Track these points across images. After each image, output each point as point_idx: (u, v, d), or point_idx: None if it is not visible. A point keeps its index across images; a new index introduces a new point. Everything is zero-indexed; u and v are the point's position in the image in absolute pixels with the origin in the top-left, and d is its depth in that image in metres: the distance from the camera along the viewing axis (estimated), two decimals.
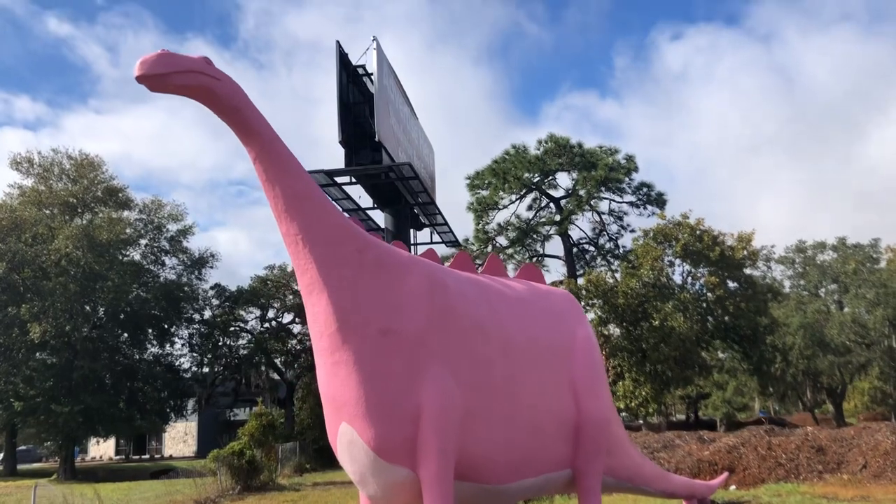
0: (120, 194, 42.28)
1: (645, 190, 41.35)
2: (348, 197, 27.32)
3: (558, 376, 9.49)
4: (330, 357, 7.66)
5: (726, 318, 38.02)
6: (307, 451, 33.81)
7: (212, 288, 44.95)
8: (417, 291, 7.96)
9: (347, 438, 7.61)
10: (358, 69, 26.79)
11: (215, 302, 44.97)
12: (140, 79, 6.64)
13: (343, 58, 25.82)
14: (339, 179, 26.18)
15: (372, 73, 26.27)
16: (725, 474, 15.12)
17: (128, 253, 42.30)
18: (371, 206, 28.98)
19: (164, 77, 6.68)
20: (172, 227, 44.09)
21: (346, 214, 8.33)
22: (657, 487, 11.52)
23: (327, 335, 7.63)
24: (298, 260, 7.70)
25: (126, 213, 42.43)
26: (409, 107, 30.57)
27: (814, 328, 50.44)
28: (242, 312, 46.45)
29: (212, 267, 44.57)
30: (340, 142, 25.12)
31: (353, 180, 26.61)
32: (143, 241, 43.77)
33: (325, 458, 34.24)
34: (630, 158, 41.40)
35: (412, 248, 30.04)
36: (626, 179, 40.97)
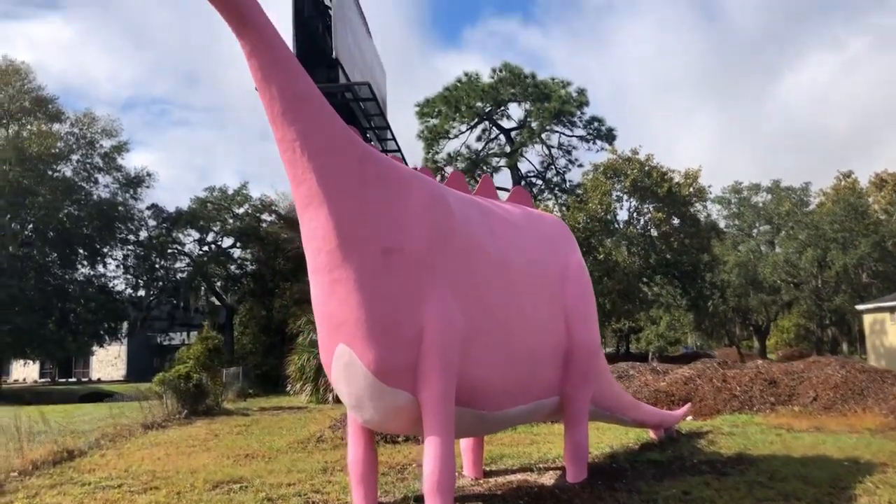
0: (50, 105, 39.82)
1: (595, 124, 41.21)
2: None
3: (552, 302, 9.23)
4: (328, 275, 7.14)
5: (668, 254, 38.67)
6: (249, 377, 33.33)
7: (148, 208, 43.24)
8: (420, 208, 7.47)
9: (345, 360, 7.16)
10: None
11: (152, 223, 43.33)
12: None
13: None
14: None
15: None
16: (689, 405, 15.36)
17: (58, 168, 40.12)
18: None
19: None
20: (106, 144, 41.96)
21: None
22: (632, 416, 11.55)
23: (326, 251, 7.09)
24: (295, 169, 7.07)
25: (56, 126, 40.09)
26: (365, 25, 29.28)
27: (747, 267, 51.96)
28: (180, 235, 44.95)
29: (148, 187, 42.81)
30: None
31: None
32: (74, 157, 41.53)
33: (267, 384, 33.90)
34: (581, 92, 41.06)
35: None
36: (578, 113, 40.69)
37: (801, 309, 55.52)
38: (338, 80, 24.89)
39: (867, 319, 47.61)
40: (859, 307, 48.11)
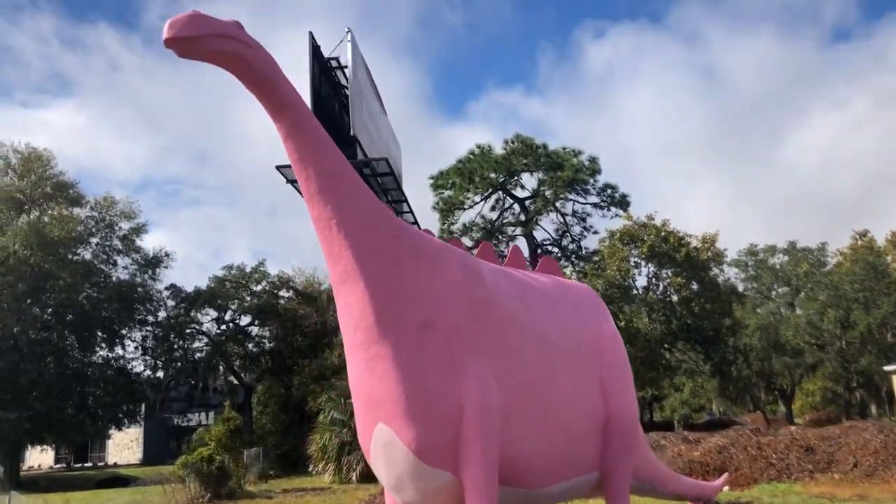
0: (71, 190, 40.55)
1: (609, 191, 41.43)
2: None
3: (588, 373, 9.04)
4: (365, 352, 7.06)
5: (689, 319, 38.29)
6: (269, 457, 32.81)
7: (167, 289, 43.43)
8: (455, 282, 7.42)
9: (384, 440, 7.01)
10: (330, 61, 26.05)
11: (171, 303, 43.44)
12: (169, 42, 5.96)
13: (315, 50, 25.07)
14: None
15: (346, 66, 25.58)
16: (726, 475, 14.91)
17: (78, 252, 40.57)
18: None
19: (196, 41, 6.02)
20: (125, 226, 42.49)
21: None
22: (671, 489, 11.19)
23: (362, 328, 7.03)
24: (331, 247, 7.08)
25: (77, 211, 40.71)
26: (380, 102, 29.95)
27: (769, 330, 51.30)
28: (198, 315, 44.99)
29: (166, 267, 43.09)
30: None
31: None
32: (93, 240, 42.04)
33: (287, 464, 33.30)
34: (594, 160, 41.48)
35: None
36: (591, 181, 40.99)
37: (826, 371, 54.52)
38: (356, 156, 25.35)
39: None
40: (887, 368, 47.18)
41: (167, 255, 42.81)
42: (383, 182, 26.77)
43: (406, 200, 29.42)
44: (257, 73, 6.51)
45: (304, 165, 6.93)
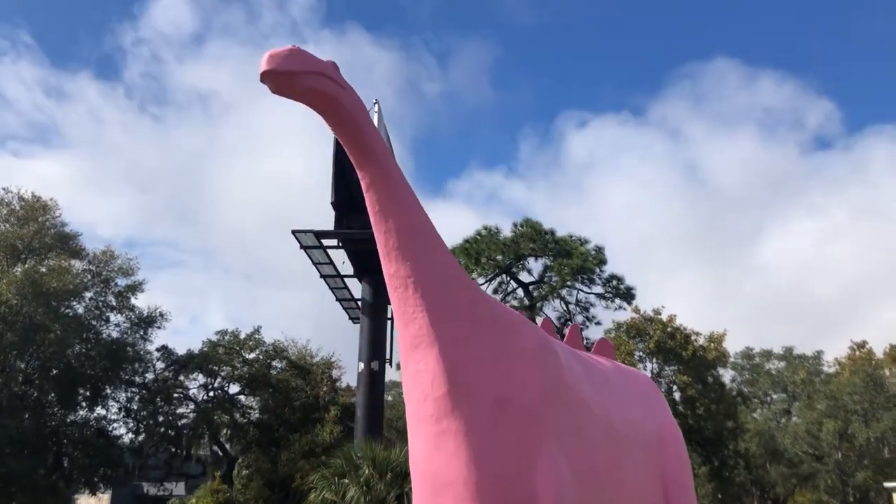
0: (72, 242, 39.92)
1: (615, 282, 41.03)
2: (331, 262, 26.05)
3: (651, 469, 8.38)
4: (434, 425, 6.43)
5: (691, 420, 37.39)
6: None
7: (157, 350, 42.27)
8: (532, 356, 6.86)
9: None
10: None
11: (160, 365, 42.22)
12: (267, 75, 5.58)
13: None
14: (325, 242, 24.95)
15: None
16: None
17: (71, 305, 39.58)
18: (350, 274, 27.76)
19: (294, 77, 5.65)
20: (121, 282, 41.65)
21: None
22: None
23: (433, 399, 6.43)
24: (405, 307, 6.54)
25: (75, 263, 39.93)
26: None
27: (766, 436, 50.30)
28: (183, 379, 43.69)
29: (159, 327, 42.02)
30: (332, 203, 24.12)
31: (339, 244, 25.43)
32: (87, 294, 41.07)
33: None
34: (600, 250, 41.29)
35: (390, 322, 28.80)
36: (597, 270, 40.68)
37: (823, 484, 53.17)
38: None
39: None
40: (888, 484, 46.02)
41: (161, 315, 41.85)
42: None
43: None
44: (349, 117, 6.14)
45: (385, 218, 6.49)
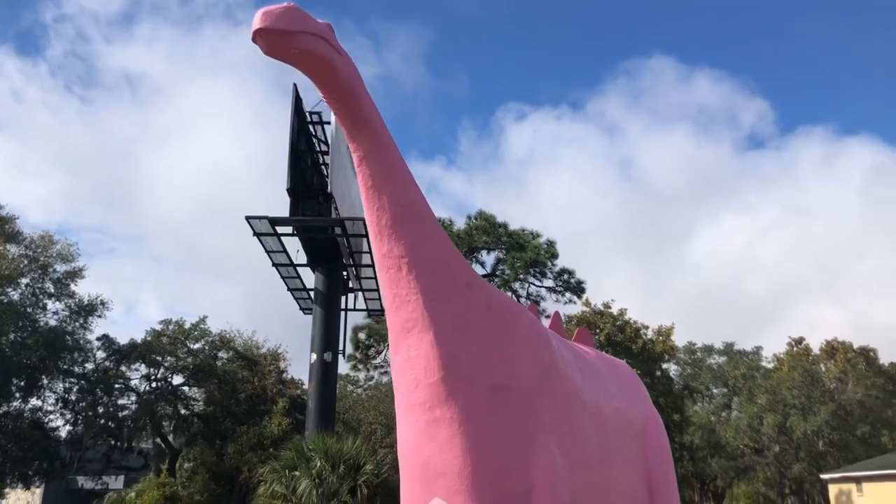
0: (7, 226, 38.11)
1: (566, 276, 41.15)
2: (284, 250, 25.36)
3: (636, 459, 8.23)
4: (426, 413, 6.11)
5: None
6: None
7: (98, 339, 40.70)
8: (527, 343, 6.60)
9: None
10: (312, 115, 25.42)
11: (100, 355, 40.67)
12: (260, 33, 5.14)
13: (298, 103, 24.42)
14: (279, 230, 24.25)
15: (328, 122, 24.98)
16: None
17: (6, 292, 37.86)
18: (303, 263, 27.10)
19: (289, 36, 5.22)
20: (60, 268, 39.98)
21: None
22: None
23: (426, 385, 6.10)
24: (397, 289, 6.19)
25: (11, 248, 38.17)
26: (352, 162, 29.28)
27: (708, 430, 51.26)
28: (124, 369, 42.18)
29: (100, 316, 40.49)
30: (288, 189, 23.43)
31: (294, 232, 24.78)
32: (23, 281, 39.37)
33: None
34: (552, 244, 41.35)
35: (344, 313, 28.28)
36: (549, 264, 40.74)
37: (762, 475, 54.51)
38: (329, 214, 24.48)
39: (833, 490, 46.82)
40: (824, 476, 47.41)
41: (103, 303, 40.34)
42: (354, 244, 25.84)
43: (373, 264, 28.38)
44: (344, 83, 5.74)
45: (379, 193, 6.12)
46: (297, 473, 20.61)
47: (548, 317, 41.51)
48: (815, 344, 64.64)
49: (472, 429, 6.02)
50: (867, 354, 62.01)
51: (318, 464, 20.09)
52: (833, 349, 62.68)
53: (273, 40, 5.20)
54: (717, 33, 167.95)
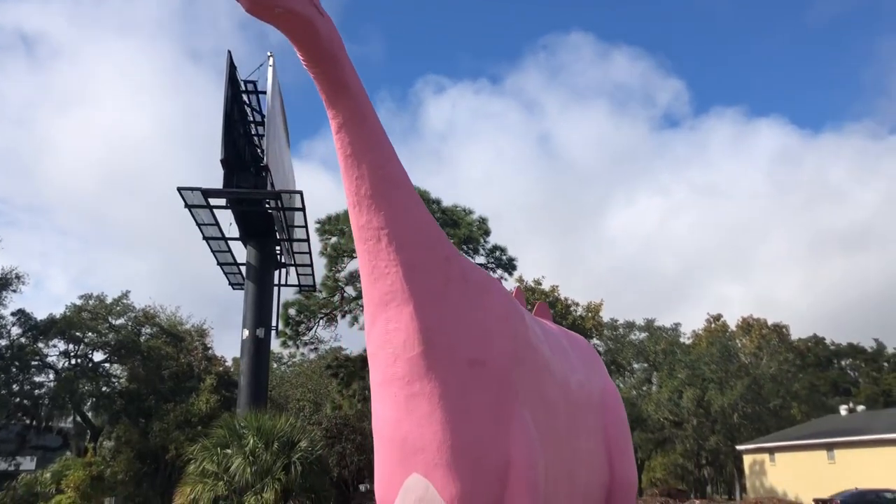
0: None
1: (498, 253, 41.40)
2: (217, 223, 24.67)
3: (597, 432, 8.35)
4: (405, 388, 6.00)
5: None
6: None
7: (13, 314, 38.87)
8: (501, 316, 6.55)
9: (418, 494, 5.93)
10: (247, 84, 24.69)
11: (16, 331, 38.85)
12: None
13: (232, 72, 23.67)
14: (212, 202, 23.55)
15: (264, 92, 24.30)
16: None
17: None
18: (235, 237, 26.45)
19: None
20: None
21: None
22: None
23: (405, 359, 5.99)
24: (376, 261, 6.03)
25: None
26: (287, 133, 28.66)
27: (631, 404, 52.72)
28: (41, 345, 40.45)
29: (15, 290, 38.67)
30: (222, 161, 22.72)
31: (227, 205, 24.12)
32: None
33: None
34: (484, 220, 41.49)
35: (277, 288, 27.76)
36: (482, 241, 40.88)
37: (680, 448, 56.52)
38: (265, 186, 23.90)
39: (747, 460, 48.99)
40: (740, 447, 49.53)
41: (18, 276, 38.56)
42: (290, 217, 25.34)
43: (308, 239, 27.97)
44: (324, 46, 5.50)
45: (358, 163, 5.91)
46: (229, 451, 20.29)
47: None
48: (731, 320, 67.47)
49: (451, 403, 5.95)
50: (780, 331, 64.98)
51: (252, 441, 19.83)
52: (749, 325, 65.36)
53: None
54: (634, 8, 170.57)
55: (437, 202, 41.32)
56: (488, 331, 6.30)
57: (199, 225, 24.71)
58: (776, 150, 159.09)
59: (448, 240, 6.49)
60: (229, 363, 45.28)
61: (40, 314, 39.36)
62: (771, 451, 45.80)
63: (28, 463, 47.26)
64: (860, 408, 53.42)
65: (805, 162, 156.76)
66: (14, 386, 38.94)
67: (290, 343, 41.86)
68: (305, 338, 42.95)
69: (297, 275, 30.68)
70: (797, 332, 69.79)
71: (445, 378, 5.96)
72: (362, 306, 40.60)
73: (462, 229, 38.38)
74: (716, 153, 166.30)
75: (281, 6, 5.04)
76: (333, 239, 40.86)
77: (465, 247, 40.18)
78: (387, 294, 6.01)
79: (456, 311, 6.15)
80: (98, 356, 41.51)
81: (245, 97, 26.21)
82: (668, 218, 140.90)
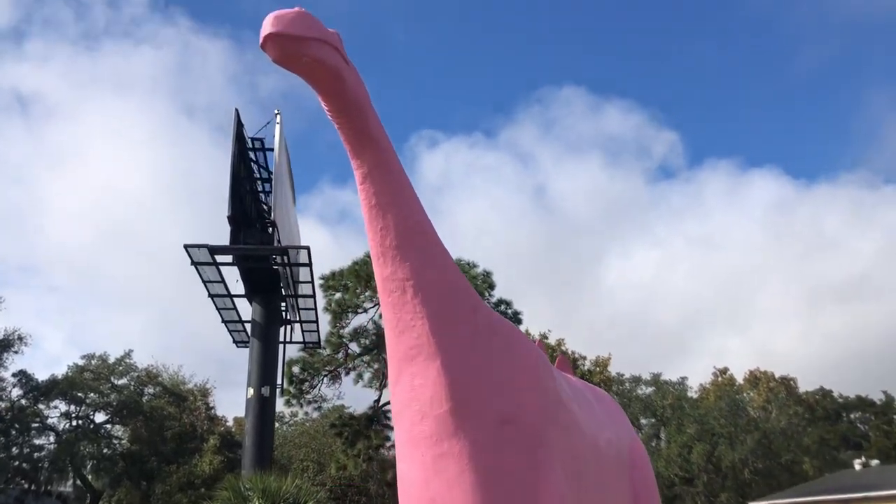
0: None
1: (503, 307, 41.12)
2: (223, 280, 24.50)
3: (625, 489, 8.00)
4: (433, 447, 5.72)
5: None
6: None
7: (14, 375, 38.35)
8: (533, 372, 6.29)
9: None
10: (254, 142, 24.81)
11: (16, 392, 38.31)
12: (273, 38, 4.79)
13: (239, 129, 23.82)
14: (218, 259, 23.43)
15: (271, 149, 24.42)
16: None
17: None
18: (241, 294, 26.25)
19: (302, 43, 4.87)
20: None
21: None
22: None
23: (432, 417, 5.72)
24: (402, 314, 5.81)
25: None
26: (292, 189, 28.72)
27: None
28: (42, 407, 39.86)
29: (16, 352, 38.24)
30: (229, 217, 22.69)
31: (234, 261, 24.00)
32: None
33: None
34: (488, 274, 41.35)
35: (282, 346, 27.48)
36: (487, 294, 40.66)
37: None
38: (271, 242, 23.83)
39: None
40: None
41: (20, 338, 38.16)
42: (296, 273, 25.19)
43: (314, 295, 27.79)
44: (350, 97, 5.40)
45: (383, 213, 5.75)
46: None
47: None
48: (734, 372, 66.78)
49: (481, 463, 5.67)
50: (788, 383, 64.26)
51: (257, 503, 19.33)
52: (756, 378, 64.68)
53: (286, 46, 4.85)
54: (625, 62, 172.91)
55: None
56: (518, 385, 6.05)
57: (204, 282, 24.53)
58: (771, 201, 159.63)
59: (473, 289, 6.29)
60: (230, 423, 44.62)
61: (37, 374, 38.74)
62: None
63: None
64: (874, 462, 52.37)
65: (800, 212, 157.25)
66: (13, 449, 38.20)
67: (293, 402, 41.35)
68: (309, 396, 42.51)
69: (303, 331, 30.39)
70: (801, 384, 69.01)
71: (475, 437, 5.70)
72: (366, 363, 40.24)
73: None
74: (711, 204, 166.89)
75: (309, 56, 4.95)
76: (338, 294, 40.71)
77: None
78: (412, 348, 5.79)
79: (485, 364, 5.91)
80: (100, 417, 40.91)
81: (252, 154, 26.34)
82: (663, 269, 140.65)
